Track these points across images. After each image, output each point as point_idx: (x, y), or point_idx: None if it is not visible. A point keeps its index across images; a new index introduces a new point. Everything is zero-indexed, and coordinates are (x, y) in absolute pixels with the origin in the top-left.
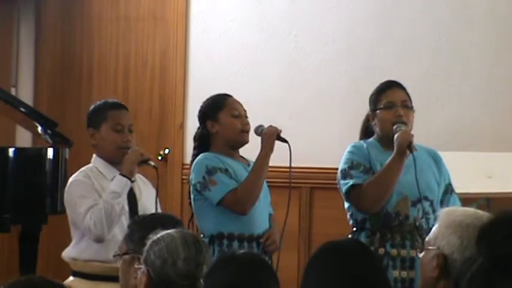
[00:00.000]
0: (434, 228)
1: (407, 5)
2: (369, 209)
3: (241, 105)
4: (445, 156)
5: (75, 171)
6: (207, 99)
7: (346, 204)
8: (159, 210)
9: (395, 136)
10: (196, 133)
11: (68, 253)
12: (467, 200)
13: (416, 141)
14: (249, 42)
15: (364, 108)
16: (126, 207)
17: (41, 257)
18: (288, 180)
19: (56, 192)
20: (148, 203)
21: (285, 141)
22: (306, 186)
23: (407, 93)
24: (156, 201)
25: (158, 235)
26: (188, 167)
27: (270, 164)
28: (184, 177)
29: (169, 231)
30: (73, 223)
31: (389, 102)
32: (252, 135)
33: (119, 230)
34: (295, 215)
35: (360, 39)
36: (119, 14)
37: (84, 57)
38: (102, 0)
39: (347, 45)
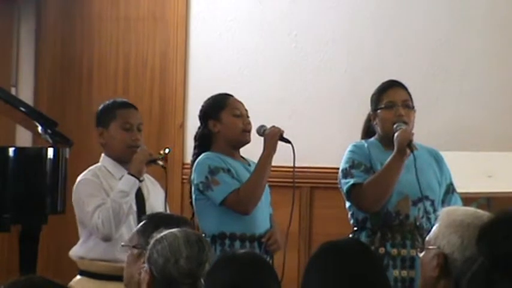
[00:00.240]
0: (434, 228)
1: (408, 5)
2: (369, 208)
3: (242, 104)
4: (446, 156)
5: (75, 171)
6: (209, 99)
7: (347, 204)
8: (168, 210)
9: (396, 135)
10: (197, 133)
11: (75, 252)
12: (467, 199)
13: (417, 141)
14: (249, 43)
15: (364, 108)
16: (134, 207)
17: (41, 257)
18: (288, 180)
19: (56, 192)
20: (156, 203)
21: (288, 141)
22: (307, 186)
23: (408, 93)
24: (165, 201)
25: (161, 234)
26: (188, 166)
27: (272, 163)
28: (184, 176)
29: (172, 230)
30: (81, 222)
31: (390, 101)
32: (252, 135)
33: (127, 230)
34: (296, 214)
35: (360, 39)
36: (119, 14)
37: (84, 57)
38: (102, 1)
39: (347, 45)
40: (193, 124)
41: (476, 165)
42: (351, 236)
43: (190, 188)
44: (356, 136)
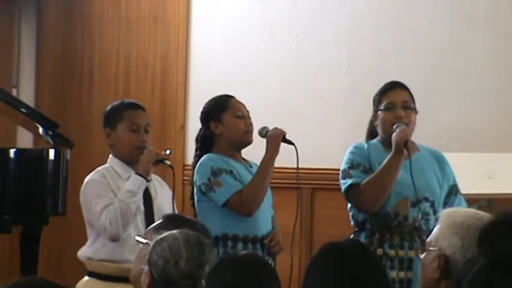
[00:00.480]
0: (435, 229)
1: (409, 6)
2: (367, 208)
3: (244, 106)
4: (446, 157)
5: (76, 172)
6: (210, 101)
7: (349, 205)
8: (176, 210)
9: (393, 135)
10: (198, 134)
11: (83, 252)
12: (468, 200)
13: (418, 142)
14: (250, 44)
15: (366, 109)
16: (142, 207)
17: (42, 258)
18: (290, 181)
19: (57, 193)
20: (163, 203)
21: (291, 143)
22: (308, 187)
23: (410, 94)
24: (173, 200)
25: (161, 235)
26: (189, 168)
27: (274, 164)
28: (185, 178)
29: (172, 231)
30: (89, 222)
31: (389, 103)
32: (254, 136)
33: (134, 230)
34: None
35: (361, 40)
36: (120, 15)
37: (85, 58)
38: (103, 1)
39: (348, 46)
40: (194, 125)
41: (477, 166)
42: (351, 237)
43: (192, 189)
44: (357, 137)
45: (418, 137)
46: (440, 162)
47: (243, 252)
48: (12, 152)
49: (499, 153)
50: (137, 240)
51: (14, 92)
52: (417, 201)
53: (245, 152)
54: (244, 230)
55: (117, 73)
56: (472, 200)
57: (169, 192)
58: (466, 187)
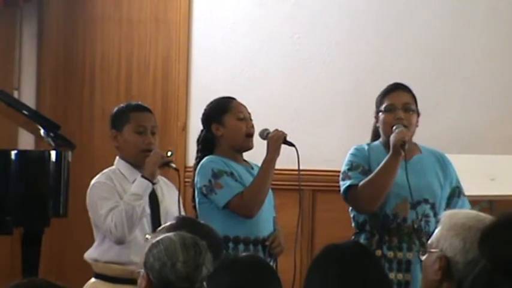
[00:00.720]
0: (436, 231)
1: (411, 8)
2: (365, 209)
3: (245, 108)
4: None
5: (78, 174)
6: (211, 102)
7: (350, 207)
8: (182, 213)
9: (391, 136)
10: (199, 136)
11: (90, 254)
12: (470, 202)
13: (419, 144)
14: (251, 45)
15: (367, 111)
16: (148, 210)
17: (43, 260)
18: (291, 183)
19: (59, 195)
20: (170, 205)
21: (292, 145)
22: (308, 189)
23: (413, 96)
24: (179, 202)
25: (157, 238)
26: (191, 169)
27: (275, 166)
28: (186, 180)
29: (168, 234)
30: (95, 225)
31: (390, 105)
32: (255, 138)
33: (140, 232)
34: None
35: (363, 41)
36: (122, 16)
37: (86, 59)
38: (104, 3)
39: (350, 48)
40: (195, 127)
41: (478, 168)
42: (352, 238)
43: (194, 191)
44: (359, 138)
45: (419, 138)
46: (443, 164)
47: (245, 254)
48: (13, 153)
49: (501, 155)
50: (147, 238)
51: (15, 94)
52: (416, 202)
53: (246, 154)
54: (246, 232)
55: (118, 74)
56: (474, 202)
57: (177, 194)
58: (468, 189)
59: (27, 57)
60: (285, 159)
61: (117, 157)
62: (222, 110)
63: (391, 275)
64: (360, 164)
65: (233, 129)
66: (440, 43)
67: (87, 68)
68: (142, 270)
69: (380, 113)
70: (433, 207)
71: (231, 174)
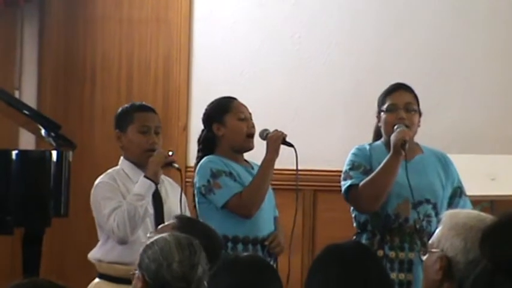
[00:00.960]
0: (437, 231)
1: (411, 8)
2: (366, 209)
3: (246, 108)
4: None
5: (79, 174)
6: (212, 102)
7: (352, 207)
8: (187, 212)
9: (392, 136)
10: (200, 136)
11: (93, 254)
12: (471, 202)
13: (420, 143)
14: (252, 45)
15: (368, 111)
16: (151, 210)
17: (44, 260)
18: (291, 183)
19: (60, 195)
20: (174, 205)
21: (290, 145)
22: (309, 189)
23: (415, 96)
24: (180, 202)
25: (151, 239)
26: (192, 169)
27: (274, 166)
28: (187, 179)
29: (162, 234)
30: (99, 225)
31: (392, 104)
32: (256, 138)
33: (143, 233)
34: (299, 217)
35: (363, 41)
36: (122, 16)
37: (87, 59)
38: (105, 3)
39: (350, 48)
40: (196, 126)
41: (479, 168)
42: (353, 238)
43: (194, 191)
44: (359, 138)
45: (419, 138)
46: (444, 164)
47: (245, 254)
48: (14, 153)
49: (502, 154)
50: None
51: (16, 94)
52: (418, 202)
53: (246, 153)
54: (244, 231)
55: (119, 74)
56: (475, 202)
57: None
58: (469, 189)
59: (28, 57)
60: (285, 160)
61: (122, 157)
62: (223, 110)
63: (393, 275)
64: (361, 163)
65: (234, 130)
66: (440, 43)
67: (88, 67)
68: (137, 272)
69: (382, 113)
70: (434, 207)
71: (230, 174)
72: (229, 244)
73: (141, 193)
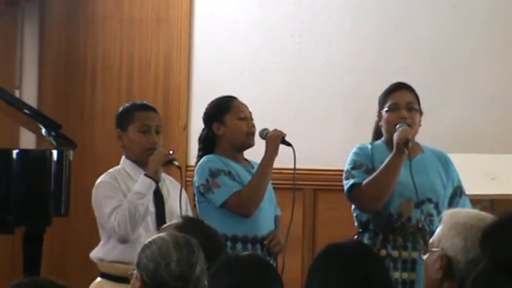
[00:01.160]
0: (438, 230)
1: (411, 7)
2: (368, 208)
3: (246, 107)
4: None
5: (79, 173)
6: (213, 102)
7: (353, 206)
8: (188, 209)
9: (394, 135)
10: (201, 135)
11: (95, 253)
12: (471, 201)
13: (420, 143)
14: (252, 44)
15: (368, 110)
16: (152, 208)
17: (45, 259)
18: (291, 182)
19: (60, 194)
20: (176, 204)
21: (289, 145)
22: (310, 188)
23: (415, 95)
24: (180, 200)
25: (149, 239)
26: (192, 169)
27: (274, 165)
28: (188, 179)
29: (160, 234)
30: (100, 224)
31: (394, 104)
32: (255, 138)
33: (145, 231)
34: (299, 216)
35: (363, 41)
36: (123, 15)
37: (88, 58)
38: (106, 2)
39: (351, 47)
40: (197, 126)
41: (479, 167)
42: (355, 238)
43: (194, 190)
44: (360, 137)
45: (420, 138)
46: (445, 163)
47: (245, 253)
48: (15, 153)
49: (502, 154)
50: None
51: (16, 93)
52: (420, 202)
53: (246, 152)
54: (244, 231)
55: (119, 73)
56: (475, 201)
57: (182, 193)
58: (469, 188)
59: (29, 57)
60: (285, 159)
61: (123, 156)
62: (223, 109)
63: (396, 275)
64: (363, 162)
65: (234, 129)
66: (440, 43)
67: (88, 67)
68: (135, 271)
69: (383, 112)
70: (436, 206)
71: (229, 173)
72: (229, 243)
73: (141, 191)
